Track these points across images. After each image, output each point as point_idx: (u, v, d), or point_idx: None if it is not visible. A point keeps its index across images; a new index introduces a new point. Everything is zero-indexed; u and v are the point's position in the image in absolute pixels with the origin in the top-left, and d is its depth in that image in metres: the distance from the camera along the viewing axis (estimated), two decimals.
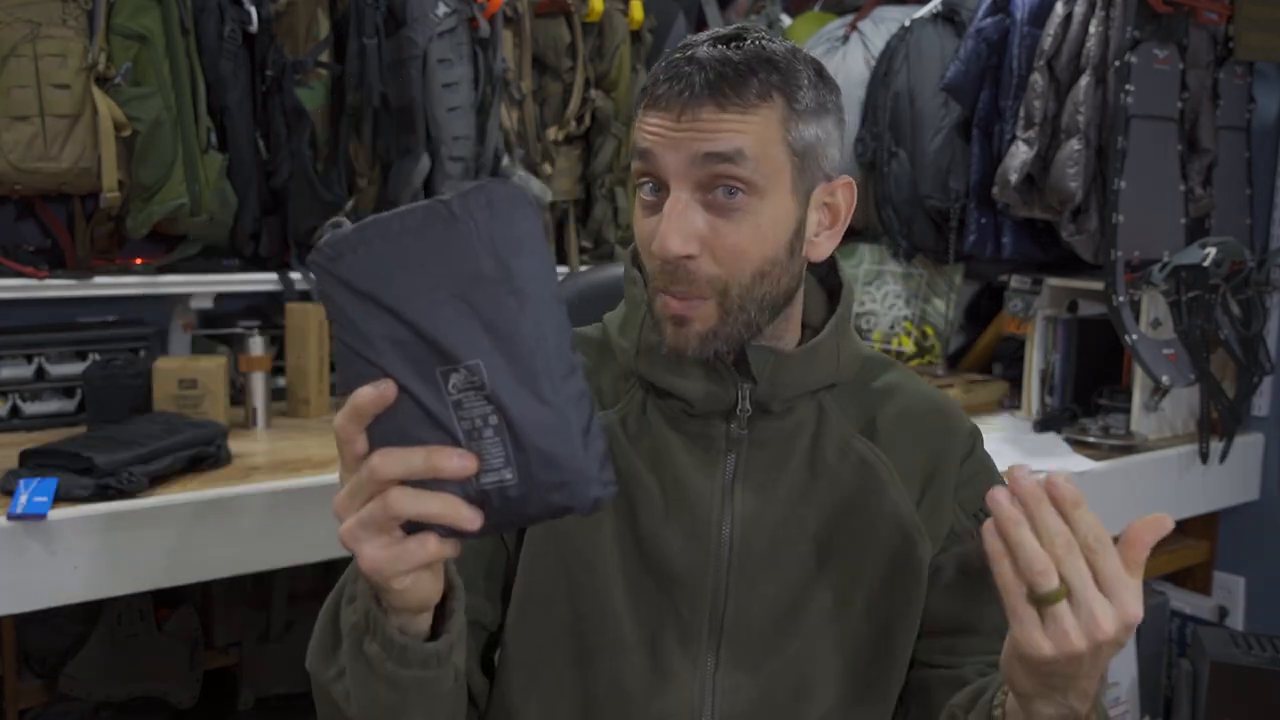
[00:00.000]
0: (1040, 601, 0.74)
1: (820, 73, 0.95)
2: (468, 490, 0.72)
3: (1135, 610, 0.75)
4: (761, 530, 0.98)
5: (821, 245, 0.98)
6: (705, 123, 0.89)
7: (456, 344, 0.70)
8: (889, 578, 0.99)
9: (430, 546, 0.72)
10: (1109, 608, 0.74)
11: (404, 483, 0.71)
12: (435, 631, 0.82)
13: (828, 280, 1.07)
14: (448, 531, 0.73)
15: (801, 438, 1.01)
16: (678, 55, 0.92)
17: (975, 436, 1.07)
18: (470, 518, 0.72)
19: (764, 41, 0.92)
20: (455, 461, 0.71)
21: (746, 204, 0.90)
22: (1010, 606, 0.76)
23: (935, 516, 1.01)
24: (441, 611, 0.82)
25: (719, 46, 0.91)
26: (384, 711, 0.83)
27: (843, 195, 0.98)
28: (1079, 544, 0.75)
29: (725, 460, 0.99)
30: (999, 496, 0.75)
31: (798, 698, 0.97)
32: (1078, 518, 0.75)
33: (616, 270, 1.40)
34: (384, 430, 0.72)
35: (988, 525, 0.76)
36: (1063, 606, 0.74)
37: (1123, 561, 0.75)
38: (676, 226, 0.89)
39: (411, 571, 0.74)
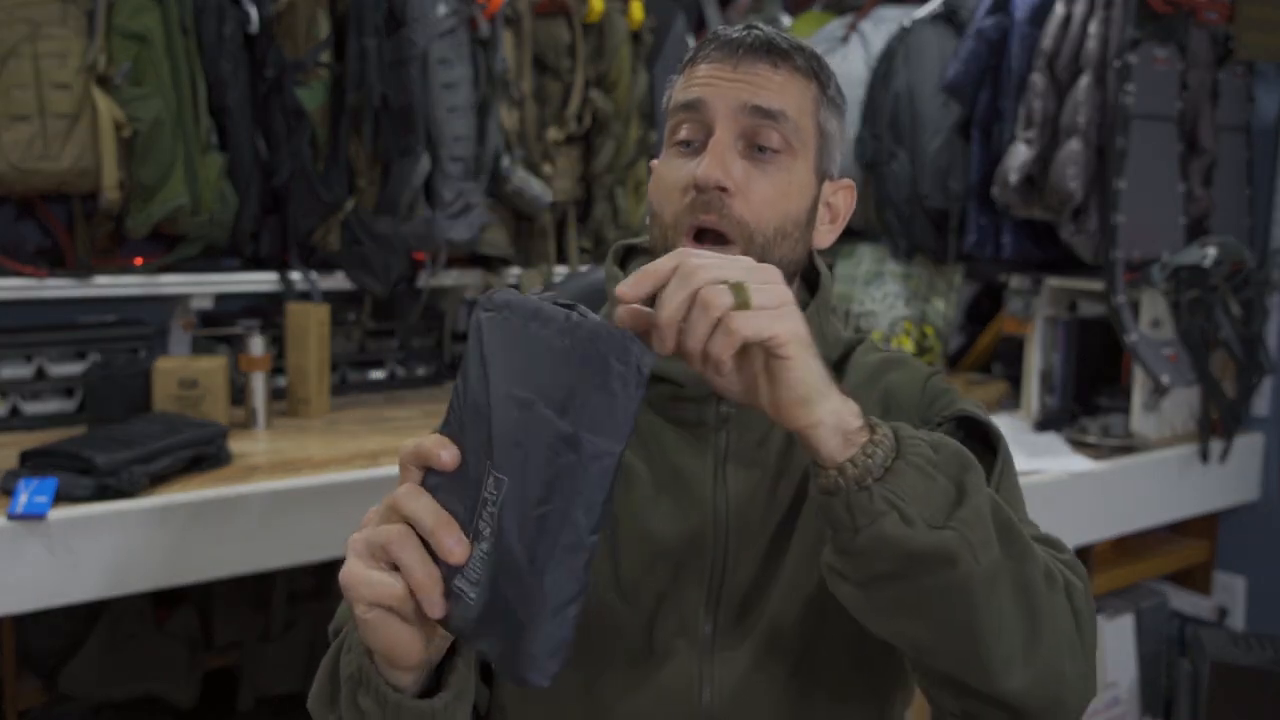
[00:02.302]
0: (743, 304, 0.72)
1: (838, 83, 1.04)
2: (448, 580, 0.72)
3: (745, 258, 0.77)
4: (754, 505, 0.99)
5: (824, 235, 1.04)
6: (759, 76, 0.96)
7: (505, 453, 0.70)
8: None
9: (396, 589, 0.73)
10: (747, 261, 0.76)
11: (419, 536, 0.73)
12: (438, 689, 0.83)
13: (808, 275, 1.10)
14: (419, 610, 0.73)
15: None
16: (730, 28, 1.00)
17: (934, 373, 1.08)
18: (436, 603, 0.72)
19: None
20: (450, 542, 0.72)
21: (779, 160, 0.97)
22: (743, 330, 0.72)
23: None
24: (444, 669, 0.83)
25: (770, 29, 1.00)
26: None
27: (843, 197, 1.05)
28: (675, 262, 0.74)
29: (715, 439, 1.00)
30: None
31: (798, 667, 0.97)
32: (654, 269, 0.74)
33: None
34: (432, 480, 0.74)
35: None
36: (754, 288, 0.73)
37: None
38: (720, 159, 0.95)
39: (373, 604, 0.74)
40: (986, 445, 0.97)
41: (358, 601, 0.75)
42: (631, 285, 0.74)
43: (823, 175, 1.01)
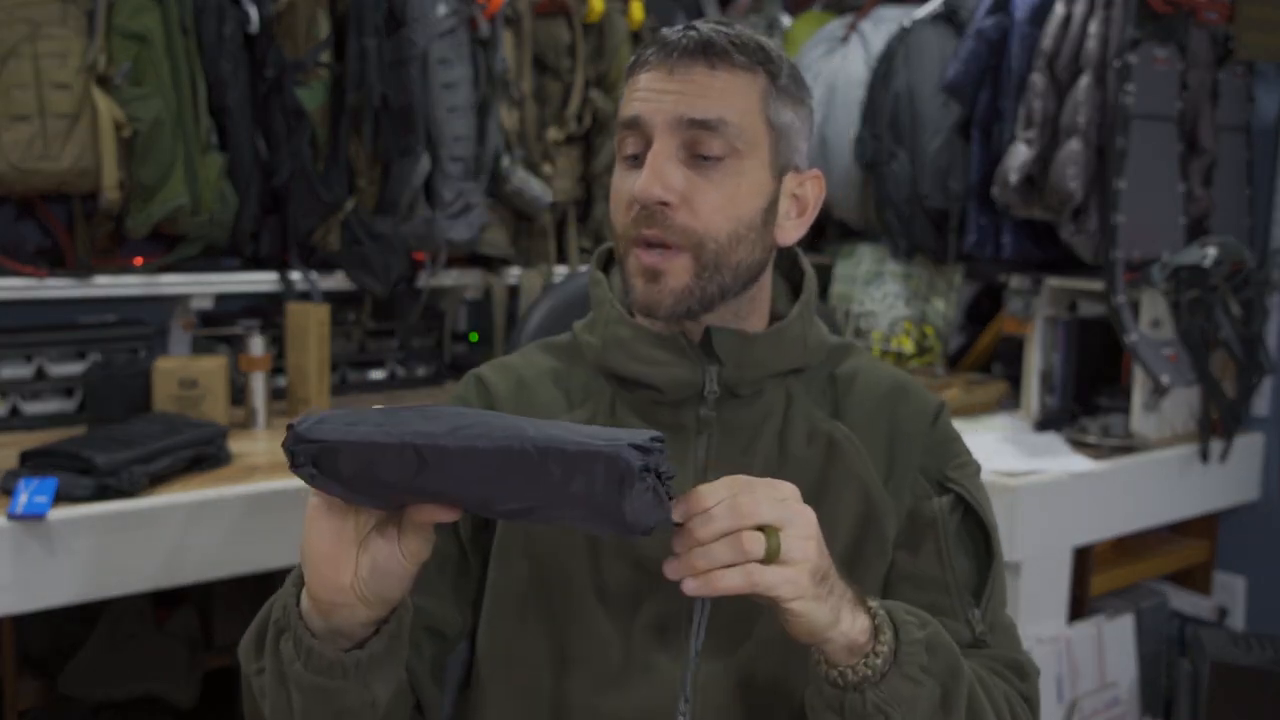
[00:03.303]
0: (770, 556, 0.79)
1: (796, 70, 1.00)
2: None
3: (791, 488, 0.83)
4: None
5: (789, 230, 1.02)
6: (695, 83, 0.94)
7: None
8: (856, 547, 1.00)
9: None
10: (790, 502, 0.82)
11: None
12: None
13: (792, 274, 1.09)
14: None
15: (771, 423, 1.02)
16: (670, 30, 0.98)
17: (940, 409, 1.07)
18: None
19: (754, 32, 1.00)
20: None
21: (725, 166, 0.95)
22: (760, 583, 0.79)
23: (899, 493, 1.02)
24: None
25: (712, 25, 0.97)
26: (287, 717, 0.85)
27: (811, 188, 1.02)
28: (732, 493, 0.80)
29: (696, 445, 0.99)
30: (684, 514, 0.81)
31: (778, 680, 0.97)
32: (709, 492, 0.80)
33: None
34: None
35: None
36: (786, 538, 0.80)
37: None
38: (658, 173, 0.94)
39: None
40: (982, 528, 1.02)
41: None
42: (685, 506, 0.80)
43: (782, 169, 0.99)
